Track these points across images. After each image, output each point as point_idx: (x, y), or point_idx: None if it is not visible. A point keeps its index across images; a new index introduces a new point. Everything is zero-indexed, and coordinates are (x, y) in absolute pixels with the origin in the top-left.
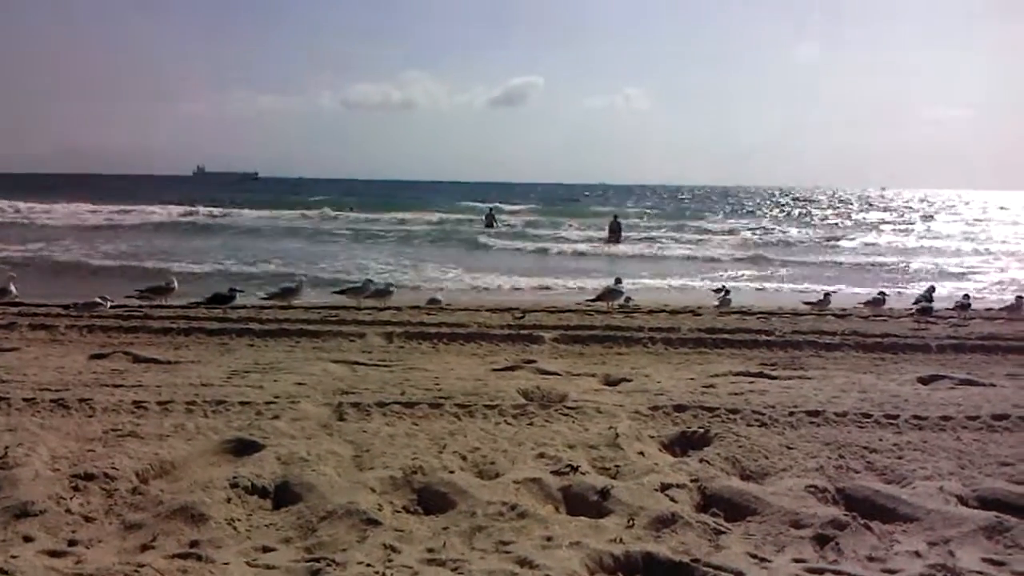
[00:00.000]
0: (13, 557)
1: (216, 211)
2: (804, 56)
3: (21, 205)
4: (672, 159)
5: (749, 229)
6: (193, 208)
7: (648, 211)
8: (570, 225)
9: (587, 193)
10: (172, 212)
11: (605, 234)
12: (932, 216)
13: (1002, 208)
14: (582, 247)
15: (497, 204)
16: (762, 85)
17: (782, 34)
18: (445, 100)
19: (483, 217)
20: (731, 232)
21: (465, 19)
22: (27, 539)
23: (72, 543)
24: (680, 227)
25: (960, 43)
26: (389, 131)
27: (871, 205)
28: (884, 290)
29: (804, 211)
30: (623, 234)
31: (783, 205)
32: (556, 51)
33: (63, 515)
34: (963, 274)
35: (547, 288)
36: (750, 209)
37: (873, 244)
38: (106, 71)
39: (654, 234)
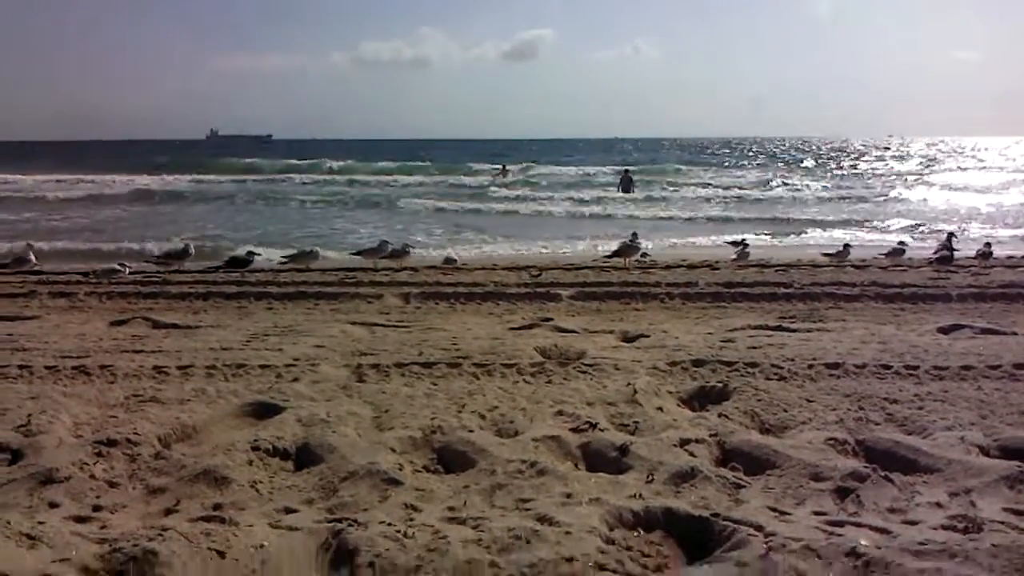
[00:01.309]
0: (40, 523)
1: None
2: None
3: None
4: (684, 111)
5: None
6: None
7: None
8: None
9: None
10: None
11: (618, 188)
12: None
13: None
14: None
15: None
16: (773, 32)
17: None
18: (457, 55)
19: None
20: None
21: None
22: (52, 505)
23: (97, 508)
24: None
25: None
26: (402, 89)
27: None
28: (904, 240)
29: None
30: (635, 186)
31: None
32: (564, 3)
33: (87, 481)
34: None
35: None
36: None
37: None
38: (114, 33)
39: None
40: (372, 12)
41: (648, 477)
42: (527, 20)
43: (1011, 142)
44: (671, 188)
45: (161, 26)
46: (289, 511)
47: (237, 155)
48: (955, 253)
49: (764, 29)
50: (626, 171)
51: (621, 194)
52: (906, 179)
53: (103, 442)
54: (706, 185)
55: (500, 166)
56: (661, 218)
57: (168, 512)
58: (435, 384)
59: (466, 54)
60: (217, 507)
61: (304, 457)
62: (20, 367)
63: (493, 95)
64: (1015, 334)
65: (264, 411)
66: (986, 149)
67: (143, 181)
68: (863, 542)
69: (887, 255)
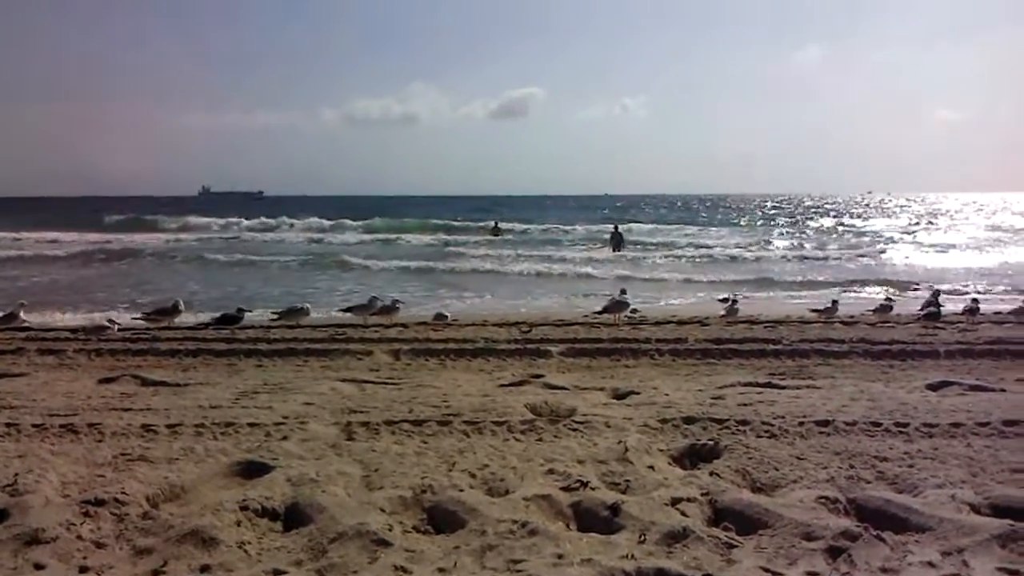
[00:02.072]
0: None
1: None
2: (803, 61)
3: None
4: (672, 168)
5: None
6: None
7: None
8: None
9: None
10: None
11: (608, 246)
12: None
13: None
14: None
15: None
16: (761, 90)
17: (780, 39)
18: (447, 113)
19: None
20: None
21: (463, 32)
22: (38, 566)
23: (83, 570)
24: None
25: (957, 47)
26: (393, 146)
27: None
28: (891, 296)
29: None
30: (624, 244)
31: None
32: (553, 62)
33: (74, 541)
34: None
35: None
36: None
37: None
38: (106, 88)
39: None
40: (362, 70)
41: (640, 537)
42: (516, 79)
43: (994, 198)
44: (662, 248)
45: (154, 82)
46: (278, 573)
47: (223, 213)
48: (942, 309)
49: (751, 87)
50: (616, 228)
51: (611, 253)
52: (891, 238)
53: (90, 502)
54: (696, 246)
55: (493, 223)
56: (651, 279)
57: (156, 573)
58: (425, 442)
59: (455, 112)
60: (205, 569)
61: (293, 517)
62: (7, 425)
63: (482, 152)
64: (1004, 391)
65: (253, 470)
66: (974, 203)
67: (97, 238)
68: None
69: (875, 311)
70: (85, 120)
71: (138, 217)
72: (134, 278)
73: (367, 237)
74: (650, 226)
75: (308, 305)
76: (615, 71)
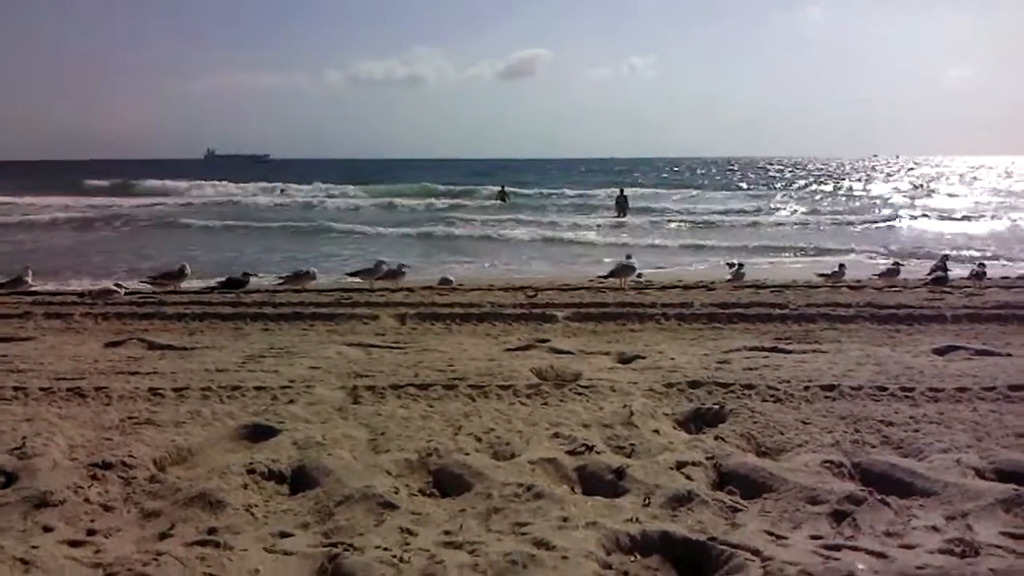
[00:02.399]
0: (33, 547)
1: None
2: (811, 18)
3: None
4: (680, 130)
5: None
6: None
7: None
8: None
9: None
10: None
11: (615, 211)
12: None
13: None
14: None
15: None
16: (768, 49)
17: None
18: (453, 75)
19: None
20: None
21: None
22: (46, 529)
23: (91, 532)
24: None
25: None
26: (398, 108)
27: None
28: (899, 260)
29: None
30: (628, 209)
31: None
32: (560, 22)
33: (81, 504)
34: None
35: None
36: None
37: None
38: (110, 53)
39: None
40: (366, 32)
41: (645, 500)
42: (523, 39)
43: (1007, 162)
44: (668, 213)
45: (157, 45)
46: (284, 535)
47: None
48: (949, 274)
49: (758, 48)
50: (621, 191)
51: (616, 217)
52: (899, 202)
53: (98, 465)
54: (699, 212)
55: (499, 187)
56: (655, 245)
57: (163, 536)
58: (431, 406)
59: (461, 73)
60: (212, 531)
61: (300, 480)
62: (15, 389)
63: (489, 114)
64: (1010, 356)
65: (260, 434)
66: (984, 167)
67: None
68: (860, 566)
69: (882, 275)
70: (86, 84)
71: (127, 182)
72: (131, 243)
73: (372, 202)
74: (653, 190)
75: (314, 269)
76: (623, 31)
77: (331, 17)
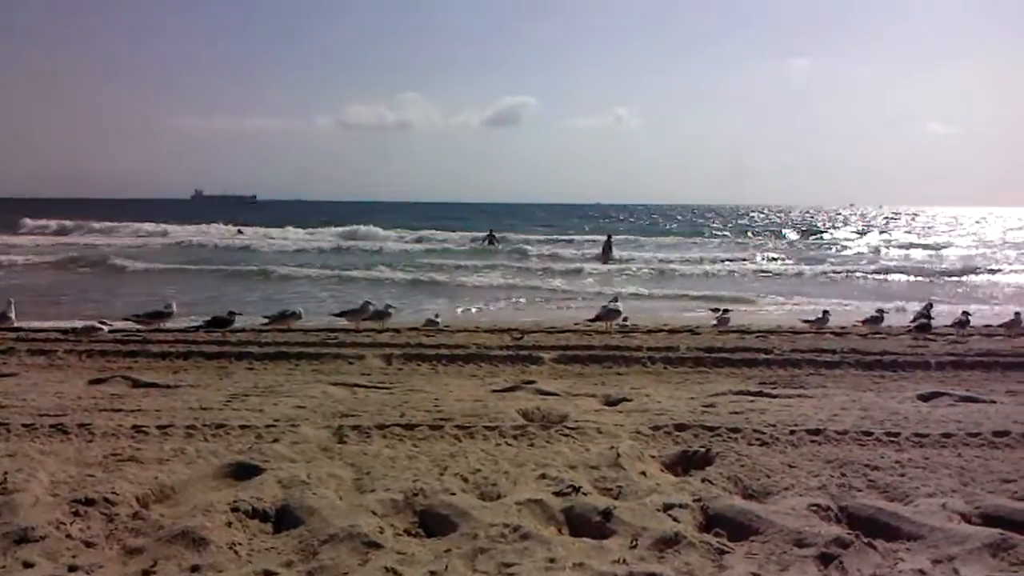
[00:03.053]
0: None
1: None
2: (795, 71)
3: None
4: (665, 178)
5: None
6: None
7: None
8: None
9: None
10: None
11: (599, 252)
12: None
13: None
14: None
15: (491, 230)
16: (752, 102)
17: (772, 50)
18: (440, 121)
19: (484, 236)
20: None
21: (455, 40)
22: (27, 565)
23: (72, 569)
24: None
25: (949, 62)
26: (386, 152)
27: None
28: (882, 307)
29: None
30: (614, 252)
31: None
32: (545, 71)
33: (63, 540)
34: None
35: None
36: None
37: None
38: (100, 93)
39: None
40: (354, 77)
41: (632, 542)
42: (509, 87)
43: (984, 213)
44: (655, 262)
45: (146, 85)
46: (268, 574)
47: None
48: (933, 321)
49: (743, 98)
50: (609, 237)
51: (602, 264)
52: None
53: (80, 501)
54: (684, 261)
55: (487, 232)
56: (640, 295)
57: (145, 573)
58: (417, 446)
59: (448, 120)
60: (195, 569)
61: (284, 519)
62: None
63: (476, 160)
64: (993, 402)
65: (244, 472)
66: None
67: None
68: None
69: (865, 322)
70: (78, 122)
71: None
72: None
73: (355, 244)
74: (642, 239)
75: (300, 309)
76: (608, 81)
77: (320, 62)
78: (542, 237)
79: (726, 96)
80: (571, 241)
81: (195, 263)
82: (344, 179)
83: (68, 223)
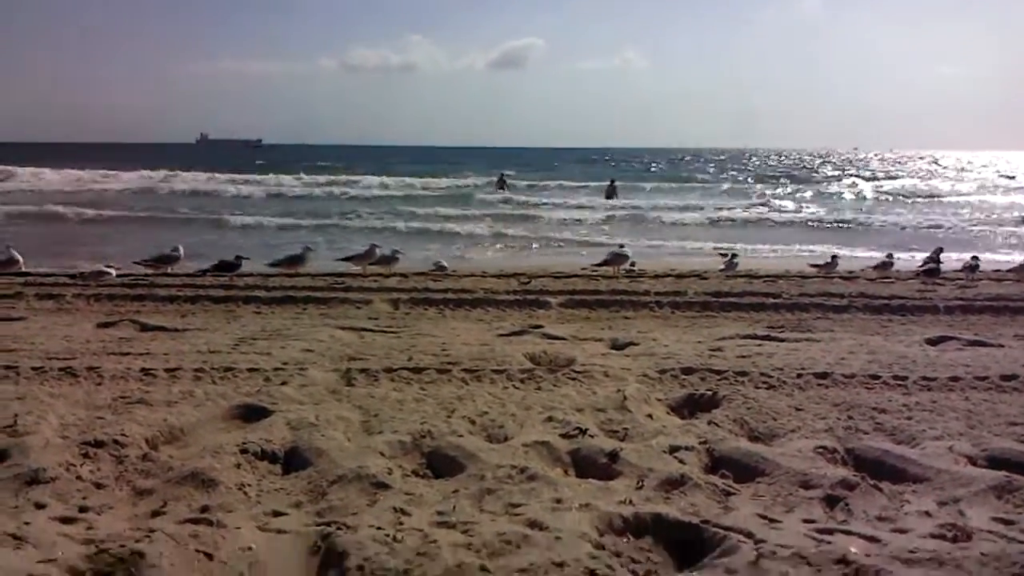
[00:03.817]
0: (26, 523)
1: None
2: (807, 10)
3: None
4: (675, 122)
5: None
6: None
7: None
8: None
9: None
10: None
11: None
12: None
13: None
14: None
15: (506, 171)
16: (762, 43)
17: None
18: (445, 63)
19: (495, 180)
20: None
21: None
22: (39, 506)
23: (83, 509)
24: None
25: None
26: (391, 95)
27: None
28: (892, 252)
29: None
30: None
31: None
32: (553, 12)
33: (74, 482)
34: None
35: None
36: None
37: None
38: (102, 35)
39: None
40: (359, 19)
41: (638, 483)
42: (515, 29)
43: (997, 156)
44: (661, 211)
45: (151, 31)
46: (277, 514)
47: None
48: (942, 266)
49: (753, 41)
50: (612, 181)
51: (606, 200)
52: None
53: (90, 443)
54: (694, 208)
55: (498, 176)
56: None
57: (155, 514)
58: (424, 389)
59: (453, 63)
60: (204, 509)
61: (293, 461)
62: (6, 368)
63: (481, 103)
64: (1001, 346)
65: (252, 414)
66: (972, 163)
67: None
68: (853, 550)
69: (875, 267)
70: (82, 67)
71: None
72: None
73: (360, 192)
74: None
75: (310, 251)
76: (615, 21)
77: (325, 4)
78: (548, 180)
79: (735, 39)
80: (576, 186)
81: (147, 210)
82: (350, 122)
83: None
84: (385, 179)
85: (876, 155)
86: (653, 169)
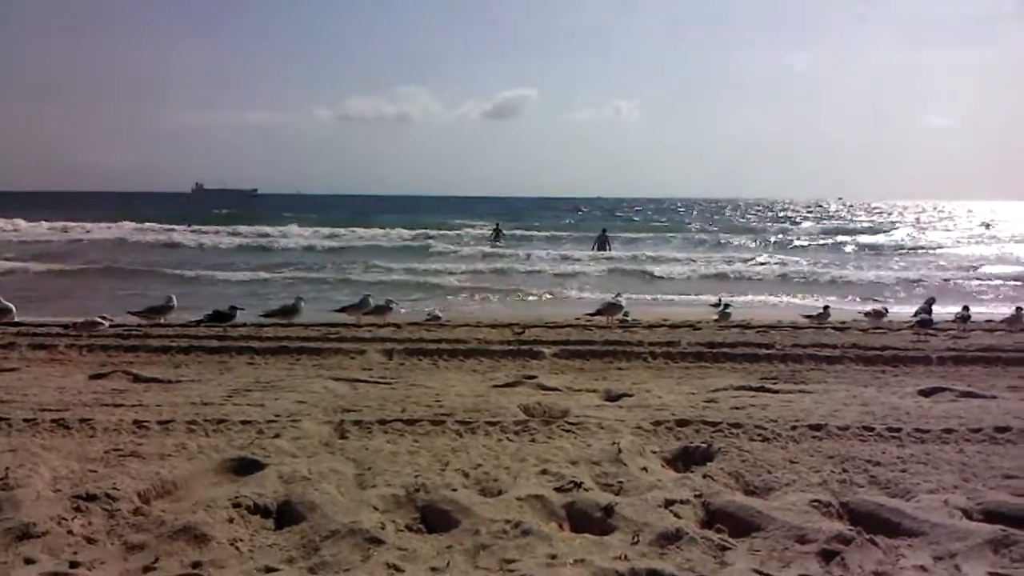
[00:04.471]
0: None
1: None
2: (795, 65)
3: None
4: (665, 171)
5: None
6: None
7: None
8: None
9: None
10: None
11: (593, 247)
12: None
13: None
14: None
15: (498, 224)
16: (752, 95)
17: (772, 44)
18: (440, 114)
19: (490, 231)
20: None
21: (455, 34)
22: (28, 561)
23: (74, 565)
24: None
25: (946, 53)
26: (386, 145)
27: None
28: (884, 303)
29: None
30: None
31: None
32: (545, 64)
33: (65, 536)
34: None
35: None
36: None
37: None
38: (101, 88)
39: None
40: (354, 70)
41: (633, 538)
42: (509, 80)
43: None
44: (657, 263)
45: (147, 80)
46: (270, 570)
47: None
48: (933, 317)
49: (742, 93)
50: (603, 231)
51: (596, 252)
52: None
53: (82, 497)
54: (684, 261)
55: (494, 226)
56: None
57: (147, 569)
58: (418, 441)
59: (448, 113)
60: (196, 565)
61: (285, 515)
62: None
63: (476, 153)
64: (995, 397)
65: (245, 467)
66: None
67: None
68: None
69: (868, 315)
70: (79, 117)
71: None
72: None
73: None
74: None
75: (302, 303)
76: (608, 74)
77: (320, 55)
78: (542, 232)
79: (726, 90)
80: (568, 235)
81: (97, 263)
82: (345, 172)
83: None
84: (377, 230)
85: (863, 204)
86: (636, 219)
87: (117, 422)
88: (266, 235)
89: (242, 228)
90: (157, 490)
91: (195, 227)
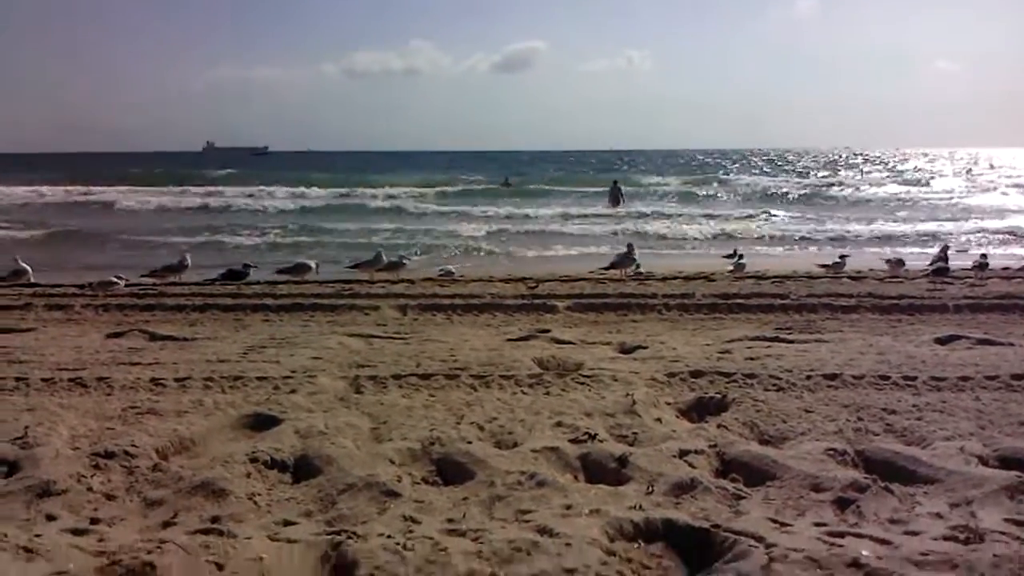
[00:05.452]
0: (37, 536)
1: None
2: (805, 9)
3: None
4: (678, 122)
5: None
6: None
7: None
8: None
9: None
10: None
11: (606, 200)
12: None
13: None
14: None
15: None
16: (762, 42)
17: None
18: (449, 67)
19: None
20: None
21: None
22: (50, 517)
23: (94, 521)
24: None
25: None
26: (395, 100)
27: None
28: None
29: None
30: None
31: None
32: (556, 15)
33: (84, 493)
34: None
35: None
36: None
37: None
38: (111, 46)
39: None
40: (362, 25)
41: (648, 488)
42: (518, 32)
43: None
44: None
45: (156, 40)
46: (288, 523)
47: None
48: (950, 264)
49: (753, 40)
50: (615, 183)
51: (610, 207)
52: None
53: (100, 454)
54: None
55: (503, 179)
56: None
57: (166, 524)
58: (433, 395)
59: (457, 66)
60: (215, 519)
61: (302, 469)
62: (16, 379)
63: (486, 106)
64: (1011, 345)
65: (262, 423)
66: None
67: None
68: (865, 553)
69: (888, 262)
70: (91, 79)
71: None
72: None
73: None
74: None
75: (313, 262)
76: (619, 23)
77: (327, 11)
78: (555, 186)
79: (735, 38)
80: (580, 190)
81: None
82: (354, 128)
83: None
84: (388, 189)
85: (879, 154)
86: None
87: (134, 380)
88: (272, 195)
89: (250, 189)
90: (175, 446)
91: (207, 188)
